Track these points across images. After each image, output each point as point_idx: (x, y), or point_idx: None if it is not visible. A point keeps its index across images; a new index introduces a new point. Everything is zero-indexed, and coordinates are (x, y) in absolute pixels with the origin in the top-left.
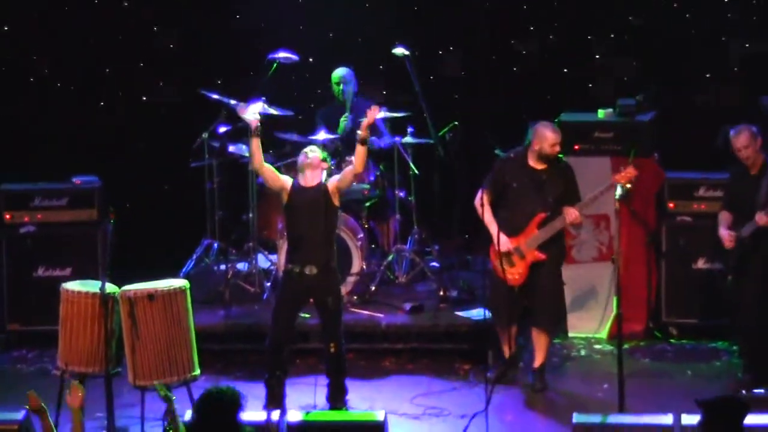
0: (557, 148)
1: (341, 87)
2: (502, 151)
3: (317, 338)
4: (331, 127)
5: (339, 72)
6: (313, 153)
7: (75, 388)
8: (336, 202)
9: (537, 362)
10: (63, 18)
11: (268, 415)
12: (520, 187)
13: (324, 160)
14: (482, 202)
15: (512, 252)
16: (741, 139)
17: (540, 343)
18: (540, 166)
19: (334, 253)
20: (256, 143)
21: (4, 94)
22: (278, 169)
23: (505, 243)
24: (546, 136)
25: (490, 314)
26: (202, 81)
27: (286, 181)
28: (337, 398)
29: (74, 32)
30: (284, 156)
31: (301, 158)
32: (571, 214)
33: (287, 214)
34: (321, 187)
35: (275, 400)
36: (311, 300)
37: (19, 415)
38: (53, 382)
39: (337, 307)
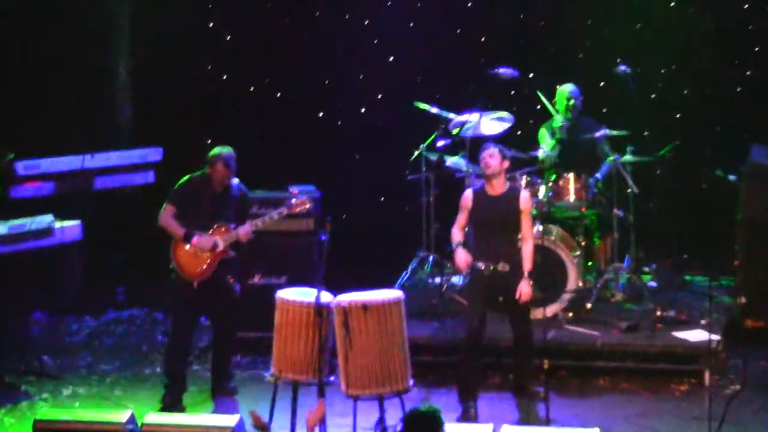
0: None
1: (571, 102)
2: (722, 172)
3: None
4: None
5: (569, 87)
6: (492, 159)
7: (320, 406)
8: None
9: None
10: (283, 29)
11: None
12: None
13: (504, 158)
14: None
15: None
16: None
17: None
18: None
19: (520, 249)
20: None
21: (228, 102)
22: None
23: None
24: None
25: None
26: (420, 94)
27: (466, 199)
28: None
29: (294, 43)
30: None
31: (483, 166)
32: None
33: (475, 218)
34: (512, 200)
35: (469, 391)
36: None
37: (233, 422)
38: (267, 388)
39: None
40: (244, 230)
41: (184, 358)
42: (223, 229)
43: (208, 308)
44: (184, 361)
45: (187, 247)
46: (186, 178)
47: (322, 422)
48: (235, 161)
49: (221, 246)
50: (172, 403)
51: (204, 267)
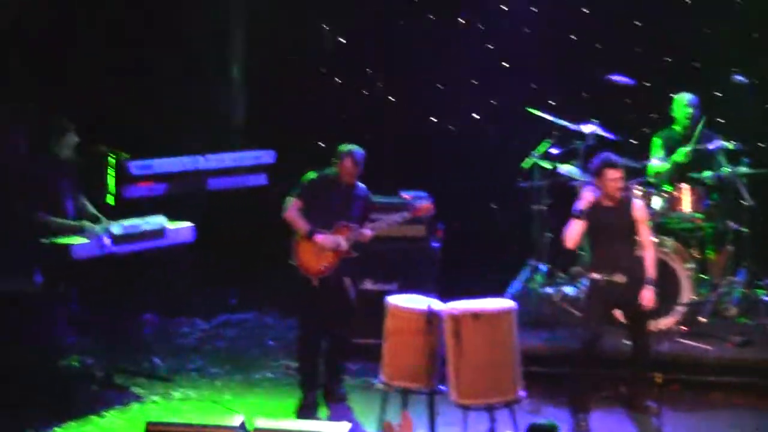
0: None
1: (691, 111)
2: None
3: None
4: (669, 153)
5: (687, 96)
6: (619, 178)
7: (406, 420)
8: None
9: None
10: (396, 33)
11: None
12: None
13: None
14: None
15: None
16: None
17: None
18: None
19: (640, 259)
20: None
21: (340, 105)
22: None
23: None
24: None
25: None
26: (534, 100)
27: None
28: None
29: (407, 47)
30: None
31: (611, 191)
32: None
33: (592, 228)
34: (627, 209)
35: (580, 403)
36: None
37: (344, 430)
38: (376, 396)
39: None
40: (366, 231)
41: (316, 355)
42: (345, 229)
43: (325, 309)
44: (315, 359)
45: (310, 244)
46: (313, 173)
47: None
48: (363, 160)
49: (344, 245)
50: (311, 404)
51: (325, 265)
